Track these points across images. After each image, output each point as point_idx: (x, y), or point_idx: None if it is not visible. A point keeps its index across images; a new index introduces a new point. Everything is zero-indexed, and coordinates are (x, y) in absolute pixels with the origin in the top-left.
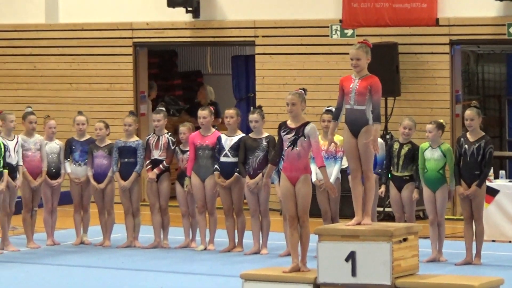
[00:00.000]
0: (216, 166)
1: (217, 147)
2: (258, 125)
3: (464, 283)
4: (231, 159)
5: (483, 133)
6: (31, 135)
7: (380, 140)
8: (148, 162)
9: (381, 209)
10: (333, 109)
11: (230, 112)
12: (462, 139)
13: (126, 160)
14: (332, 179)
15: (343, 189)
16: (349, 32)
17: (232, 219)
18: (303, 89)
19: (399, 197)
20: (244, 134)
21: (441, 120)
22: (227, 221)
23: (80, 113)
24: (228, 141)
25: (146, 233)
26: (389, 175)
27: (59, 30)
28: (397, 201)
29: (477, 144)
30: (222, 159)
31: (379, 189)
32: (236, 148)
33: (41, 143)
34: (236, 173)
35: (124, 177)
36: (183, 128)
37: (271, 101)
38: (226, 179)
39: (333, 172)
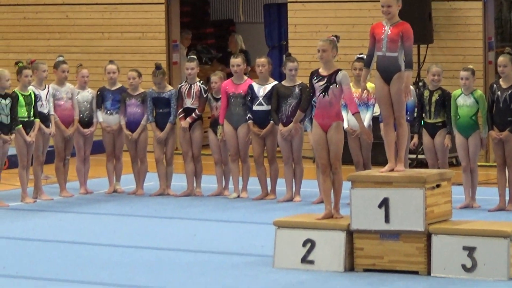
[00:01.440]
0: (249, 115)
1: (250, 96)
2: (296, 73)
3: (498, 228)
4: (265, 107)
5: None
6: (62, 84)
7: (411, 87)
8: (180, 110)
9: (414, 156)
10: (365, 57)
11: (262, 60)
12: (495, 85)
13: (160, 110)
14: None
15: (375, 136)
16: None
17: (263, 167)
18: (336, 36)
19: (432, 143)
20: (276, 82)
21: (471, 66)
22: (258, 169)
23: (111, 62)
24: (261, 90)
25: (179, 182)
26: (422, 123)
27: None
28: (430, 148)
29: (510, 91)
30: (256, 107)
31: (412, 139)
32: (269, 96)
33: (72, 92)
34: (270, 121)
35: (159, 127)
36: (214, 77)
37: (303, 49)
38: (260, 127)
39: (365, 119)
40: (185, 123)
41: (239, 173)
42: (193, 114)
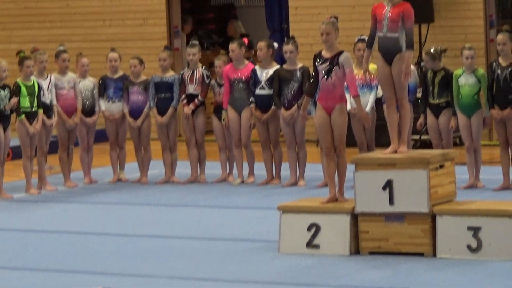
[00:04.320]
0: (252, 98)
1: (252, 80)
2: (293, 55)
3: (503, 208)
4: (267, 91)
5: None
6: (64, 74)
7: (412, 67)
8: (183, 96)
9: (417, 136)
10: (366, 38)
11: (260, 44)
12: (494, 64)
13: (162, 95)
14: (368, 108)
15: (379, 117)
16: None
17: (269, 152)
18: (335, 17)
19: (437, 124)
20: (279, 66)
21: (471, 45)
22: (264, 153)
23: (112, 49)
24: (264, 74)
25: (183, 168)
26: (426, 102)
27: None
28: (434, 128)
29: (510, 69)
30: (258, 91)
31: (419, 120)
32: (272, 81)
33: (74, 81)
34: (272, 106)
35: (161, 112)
36: (218, 62)
37: (304, 31)
38: (263, 111)
39: (369, 101)
40: (188, 109)
41: (243, 159)
42: (196, 100)
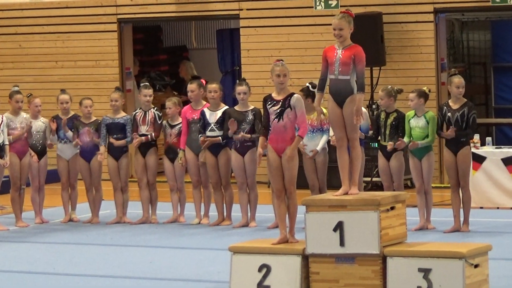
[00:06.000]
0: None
1: (201, 122)
2: (246, 97)
3: (453, 250)
4: (217, 133)
5: (465, 100)
6: (17, 114)
7: (363, 109)
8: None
9: (369, 179)
10: (311, 85)
11: (213, 86)
12: (444, 107)
13: (114, 136)
14: (319, 147)
15: (331, 160)
16: (333, 3)
17: (220, 193)
18: (281, 60)
19: (388, 166)
20: (227, 107)
21: (425, 88)
22: (216, 194)
23: (63, 91)
24: (213, 116)
25: (135, 209)
26: (377, 145)
27: (43, 8)
28: (385, 170)
29: (461, 111)
30: (209, 133)
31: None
32: (221, 122)
33: (27, 121)
34: (224, 147)
35: (113, 154)
36: (169, 103)
37: (256, 74)
38: (214, 153)
39: (321, 141)
40: (139, 139)
41: (201, 199)
42: (148, 136)
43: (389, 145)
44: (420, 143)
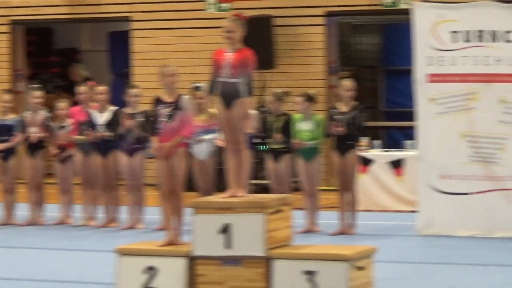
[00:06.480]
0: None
1: (89, 123)
2: (137, 99)
3: (338, 252)
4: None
5: (355, 103)
6: None
7: (252, 112)
8: (24, 138)
9: (257, 181)
10: (202, 85)
11: (101, 88)
12: (334, 110)
13: (1, 137)
14: (205, 151)
15: (220, 162)
16: (225, 6)
17: (108, 194)
18: (166, 65)
19: (276, 169)
20: (116, 108)
21: (312, 91)
22: (103, 196)
23: None
24: (100, 117)
25: (23, 210)
26: (266, 147)
27: None
28: (273, 173)
29: (350, 114)
30: None
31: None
32: (109, 124)
33: None
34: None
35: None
36: (60, 104)
37: (147, 76)
38: (102, 154)
39: (207, 144)
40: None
41: (89, 201)
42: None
43: (278, 137)
44: (308, 143)
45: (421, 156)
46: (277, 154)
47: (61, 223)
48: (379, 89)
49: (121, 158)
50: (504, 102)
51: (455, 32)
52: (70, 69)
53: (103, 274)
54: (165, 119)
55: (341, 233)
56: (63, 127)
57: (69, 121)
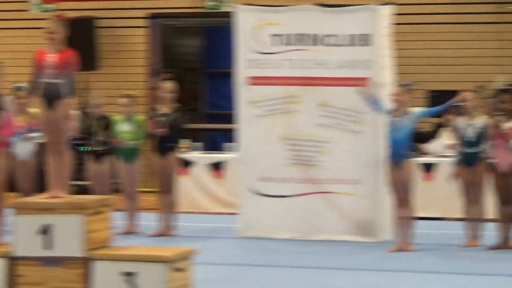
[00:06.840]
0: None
1: None
2: None
3: (156, 254)
4: None
5: (176, 105)
6: None
7: (75, 113)
8: None
9: (78, 182)
10: (23, 86)
11: None
12: (154, 111)
13: None
14: (26, 151)
15: (40, 163)
16: (48, 6)
17: None
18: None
19: (97, 170)
20: None
21: (132, 93)
22: None
23: None
24: None
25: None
26: (88, 149)
27: None
28: (94, 174)
29: (170, 116)
30: None
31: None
32: None
33: None
34: None
35: None
36: None
37: None
38: None
39: (28, 145)
40: None
41: None
42: None
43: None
44: (128, 143)
45: (241, 159)
46: (98, 155)
47: None
48: (201, 92)
49: None
50: (324, 105)
51: (276, 35)
52: None
53: None
54: None
55: (161, 234)
56: None
57: None
